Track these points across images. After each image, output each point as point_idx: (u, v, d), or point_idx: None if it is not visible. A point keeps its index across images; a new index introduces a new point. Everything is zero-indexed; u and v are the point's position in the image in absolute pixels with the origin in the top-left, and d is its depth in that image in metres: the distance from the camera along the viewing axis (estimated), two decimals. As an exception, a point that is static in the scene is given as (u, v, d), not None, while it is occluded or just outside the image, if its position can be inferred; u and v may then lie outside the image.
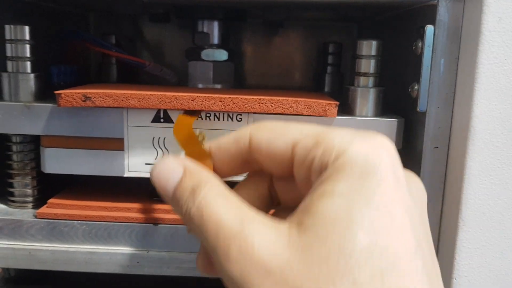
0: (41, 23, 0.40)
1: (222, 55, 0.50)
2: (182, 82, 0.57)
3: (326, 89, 0.59)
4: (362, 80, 0.39)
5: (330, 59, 0.59)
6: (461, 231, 0.35)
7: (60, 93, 0.37)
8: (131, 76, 0.61)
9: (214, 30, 0.50)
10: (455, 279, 0.36)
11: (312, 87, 0.64)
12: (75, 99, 0.37)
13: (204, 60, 0.50)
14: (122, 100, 0.37)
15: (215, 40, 0.51)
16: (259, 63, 0.65)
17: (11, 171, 0.42)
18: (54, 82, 0.47)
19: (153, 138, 0.39)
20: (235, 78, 0.54)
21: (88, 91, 0.37)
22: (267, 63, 0.65)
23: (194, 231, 0.22)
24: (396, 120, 0.38)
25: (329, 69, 0.59)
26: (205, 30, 0.51)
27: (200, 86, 0.51)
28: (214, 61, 0.50)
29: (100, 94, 0.37)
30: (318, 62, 0.64)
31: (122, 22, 0.64)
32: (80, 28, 0.61)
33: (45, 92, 0.41)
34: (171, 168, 0.24)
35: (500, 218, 0.34)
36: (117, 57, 0.50)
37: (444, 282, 0.36)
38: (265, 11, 0.47)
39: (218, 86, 0.51)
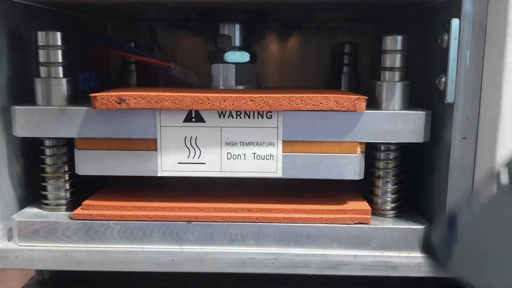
0: (66, 31, 0.41)
1: (244, 57, 0.51)
2: (202, 85, 0.58)
3: (343, 88, 0.60)
4: (388, 74, 0.40)
5: (346, 59, 0.60)
6: (492, 219, 0.35)
7: (95, 96, 0.38)
8: (150, 82, 0.63)
9: (235, 33, 0.51)
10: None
11: (327, 87, 0.65)
12: (110, 102, 0.38)
13: (226, 62, 0.51)
14: (156, 102, 0.38)
15: (237, 42, 0.52)
16: (275, 65, 0.66)
17: (45, 175, 0.43)
18: (80, 88, 0.48)
19: (185, 137, 0.40)
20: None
21: (122, 93, 0.38)
22: (283, 65, 0.66)
23: None
24: (424, 112, 0.39)
25: (345, 69, 0.60)
26: (226, 33, 0.52)
27: (222, 88, 0.52)
28: (236, 63, 0.51)
29: (134, 96, 0.38)
30: (334, 62, 0.65)
31: (140, 29, 0.65)
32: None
33: (75, 98, 0.42)
34: None
35: (532, 204, 0.35)
36: (144, 61, 0.51)
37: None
38: (286, 13, 0.48)
39: (241, 87, 0.52)
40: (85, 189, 0.44)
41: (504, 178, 0.21)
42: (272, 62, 0.66)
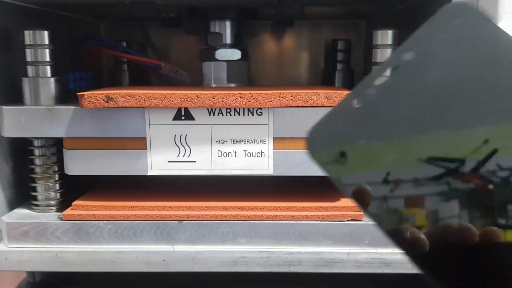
0: (57, 31, 0.41)
1: (235, 54, 0.50)
2: (194, 84, 0.58)
3: (337, 85, 0.59)
4: (379, 69, 0.39)
5: (339, 56, 0.59)
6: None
7: (83, 95, 0.37)
8: (142, 82, 0.62)
9: (226, 30, 0.51)
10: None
11: (322, 84, 0.65)
12: (98, 100, 0.37)
13: (217, 60, 0.50)
14: (144, 100, 0.38)
15: (228, 39, 0.51)
16: (267, 62, 0.66)
17: (34, 175, 0.42)
18: (71, 88, 0.48)
19: (175, 135, 0.39)
20: (245, 78, 0.54)
21: (110, 92, 0.37)
22: (276, 62, 0.66)
23: None
24: (416, 107, 0.38)
25: (339, 66, 0.59)
26: (217, 30, 0.51)
27: (214, 86, 0.52)
28: (227, 61, 0.51)
29: (122, 94, 0.37)
30: (327, 59, 0.64)
31: (132, 28, 0.65)
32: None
33: (64, 97, 0.42)
34: None
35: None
36: (134, 60, 0.51)
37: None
38: (275, 8, 0.48)
39: (232, 85, 0.51)
40: (77, 189, 0.43)
41: None
42: (266, 60, 0.66)
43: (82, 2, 0.46)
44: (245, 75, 0.53)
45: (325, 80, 0.64)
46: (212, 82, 0.52)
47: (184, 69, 0.56)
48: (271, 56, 0.65)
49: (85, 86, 0.50)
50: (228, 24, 0.51)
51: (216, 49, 0.51)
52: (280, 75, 0.66)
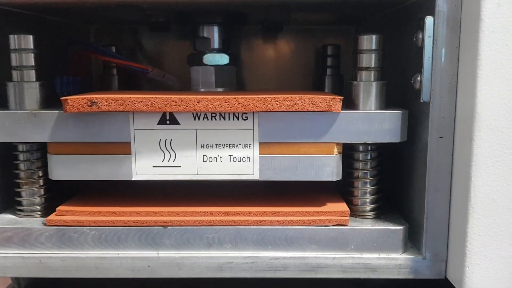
0: (44, 35, 0.41)
1: (223, 59, 0.50)
2: (184, 89, 0.57)
3: (326, 90, 0.59)
4: (364, 74, 0.39)
5: (329, 61, 0.59)
6: (471, 219, 0.35)
7: (66, 99, 0.37)
8: (132, 86, 0.62)
9: (214, 35, 0.51)
10: (468, 267, 0.35)
11: (312, 89, 0.65)
12: (81, 105, 0.37)
13: (205, 65, 0.50)
14: (128, 104, 0.37)
15: (216, 44, 0.51)
16: (258, 68, 0.66)
17: (19, 180, 0.42)
18: (58, 92, 0.48)
19: (160, 140, 0.39)
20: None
21: (94, 96, 0.37)
22: (266, 68, 0.66)
23: None
24: (400, 112, 0.38)
25: (328, 71, 0.60)
26: (205, 35, 0.51)
27: (202, 90, 0.52)
28: (215, 65, 0.50)
29: (106, 98, 0.37)
30: (317, 65, 0.64)
31: (122, 33, 0.64)
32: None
33: (50, 102, 0.42)
34: None
35: (510, 203, 0.34)
36: (120, 64, 0.51)
37: (457, 270, 0.36)
38: (264, 13, 0.48)
39: (220, 89, 0.51)
40: (62, 194, 0.43)
41: None
42: (256, 65, 0.66)
43: (67, 6, 0.46)
44: (234, 80, 0.53)
45: (315, 85, 0.64)
46: (200, 86, 0.51)
47: (174, 73, 0.56)
48: (262, 61, 0.65)
49: (72, 91, 0.49)
50: (216, 29, 0.51)
51: (204, 53, 0.51)
52: (271, 80, 0.66)
